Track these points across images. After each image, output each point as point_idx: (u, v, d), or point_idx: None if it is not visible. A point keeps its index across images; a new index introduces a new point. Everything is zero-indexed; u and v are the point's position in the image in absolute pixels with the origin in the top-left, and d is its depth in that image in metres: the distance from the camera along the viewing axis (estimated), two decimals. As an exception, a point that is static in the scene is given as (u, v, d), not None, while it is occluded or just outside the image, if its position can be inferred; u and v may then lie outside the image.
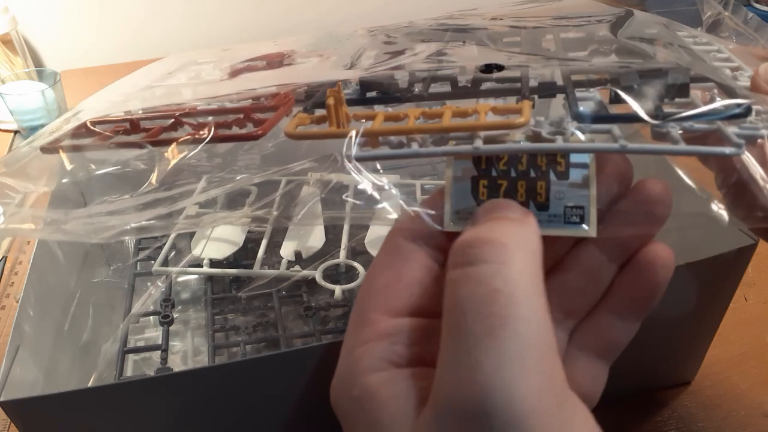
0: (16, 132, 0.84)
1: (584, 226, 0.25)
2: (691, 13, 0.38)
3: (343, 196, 0.34)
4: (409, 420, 0.22)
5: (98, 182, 0.34)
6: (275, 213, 0.32)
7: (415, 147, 0.27)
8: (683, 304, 0.39)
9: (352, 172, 0.26)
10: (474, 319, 0.21)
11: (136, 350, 0.45)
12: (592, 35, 0.36)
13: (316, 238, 0.52)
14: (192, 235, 0.52)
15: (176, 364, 0.45)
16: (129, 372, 0.44)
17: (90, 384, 0.40)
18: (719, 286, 0.40)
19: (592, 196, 0.25)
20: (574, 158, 0.26)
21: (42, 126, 0.80)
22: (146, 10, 1.07)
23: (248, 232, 0.53)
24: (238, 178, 0.32)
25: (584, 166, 0.25)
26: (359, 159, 0.26)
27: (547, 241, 0.24)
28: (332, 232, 0.52)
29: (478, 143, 0.25)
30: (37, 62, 1.04)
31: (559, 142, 0.25)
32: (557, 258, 0.28)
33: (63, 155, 0.32)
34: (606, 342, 0.28)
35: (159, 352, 0.43)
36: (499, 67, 0.31)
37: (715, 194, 0.26)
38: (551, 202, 0.25)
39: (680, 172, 0.27)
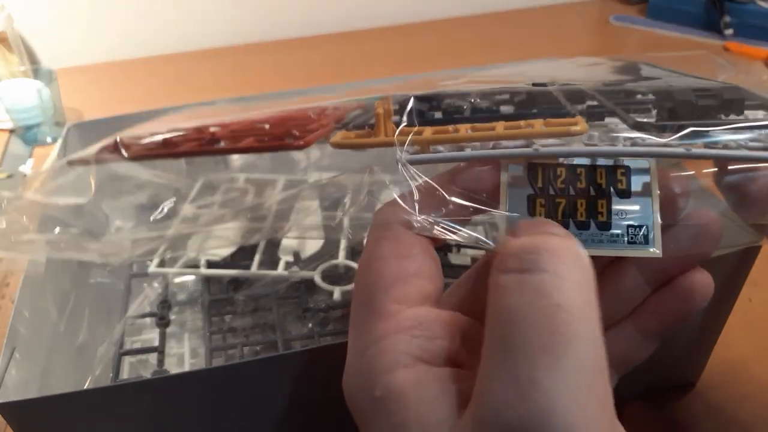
0: (11, 131, 0.84)
1: (649, 246, 0.24)
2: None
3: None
4: (442, 428, 0.21)
5: (122, 203, 0.34)
6: (270, 220, 0.32)
7: (468, 151, 0.26)
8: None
9: (407, 177, 0.25)
10: (531, 333, 0.20)
11: (133, 352, 0.44)
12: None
13: (315, 240, 0.51)
14: (189, 235, 0.52)
15: (173, 367, 0.45)
16: (125, 374, 0.43)
17: (86, 386, 0.40)
18: (724, 287, 0.40)
19: (656, 215, 0.24)
20: (636, 175, 0.25)
21: (37, 125, 0.80)
22: (142, 8, 1.07)
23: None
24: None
25: (646, 183, 0.24)
26: (412, 162, 0.25)
27: None
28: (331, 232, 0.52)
29: (537, 146, 0.25)
30: (33, 60, 1.04)
31: (622, 146, 0.24)
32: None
33: (92, 173, 0.32)
34: (624, 356, 0.27)
35: (155, 354, 0.43)
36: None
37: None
38: (613, 221, 0.24)
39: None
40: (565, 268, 0.21)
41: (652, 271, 0.27)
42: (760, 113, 0.28)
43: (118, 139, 0.32)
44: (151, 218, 0.32)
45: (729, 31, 1.02)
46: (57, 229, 0.29)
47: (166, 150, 0.31)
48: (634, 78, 0.35)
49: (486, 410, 0.20)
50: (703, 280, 0.27)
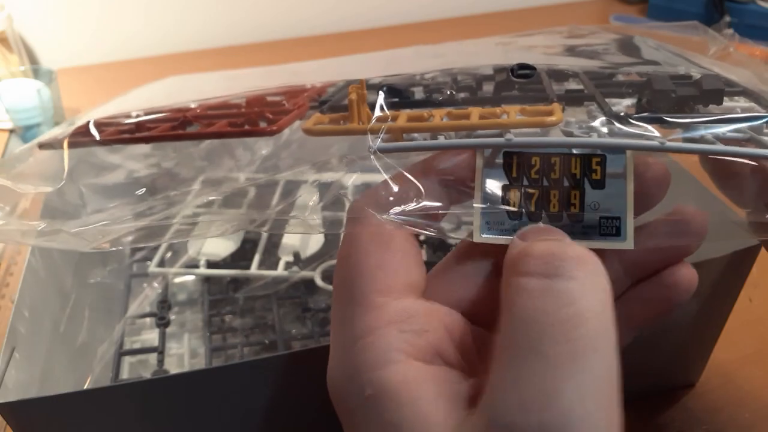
0: (11, 131, 0.84)
1: (621, 238, 0.24)
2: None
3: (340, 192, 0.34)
4: (439, 430, 0.21)
5: (95, 189, 0.33)
6: (273, 217, 0.31)
7: (441, 139, 0.25)
8: (687, 305, 0.38)
9: (378, 168, 0.25)
10: (555, 340, 0.19)
11: (132, 352, 0.44)
12: (606, 62, 0.35)
13: (315, 239, 0.51)
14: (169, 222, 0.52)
15: (173, 367, 0.45)
16: (125, 374, 0.43)
17: (86, 386, 0.40)
18: (724, 287, 0.40)
19: (629, 207, 0.24)
20: (610, 166, 0.24)
21: (37, 125, 0.80)
22: (143, 8, 1.06)
23: (245, 232, 0.52)
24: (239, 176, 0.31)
25: (621, 174, 0.24)
26: (382, 151, 0.25)
27: None
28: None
29: (510, 136, 0.24)
30: (33, 60, 1.04)
31: (595, 138, 0.24)
32: None
33: (65, 154, 0.31)
34: None
35: (155, 354, 0.42)
36: (528, 72, 0.29)
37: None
38: (586, 212, 0.24)
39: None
40: (591, 278, 0.21)
41: (631, 263, 0.26)
42: (741, 100, 0.27)
43: (91, 122, 0.31)
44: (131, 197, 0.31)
45: (729, 31, 1.02)
46: (35, 218, 0.29)
47: (138, 134, 0.30)
48: (626, 53, 0.35)
49: (503, 413, 0.20)
50: (687, 275, 0.26)
